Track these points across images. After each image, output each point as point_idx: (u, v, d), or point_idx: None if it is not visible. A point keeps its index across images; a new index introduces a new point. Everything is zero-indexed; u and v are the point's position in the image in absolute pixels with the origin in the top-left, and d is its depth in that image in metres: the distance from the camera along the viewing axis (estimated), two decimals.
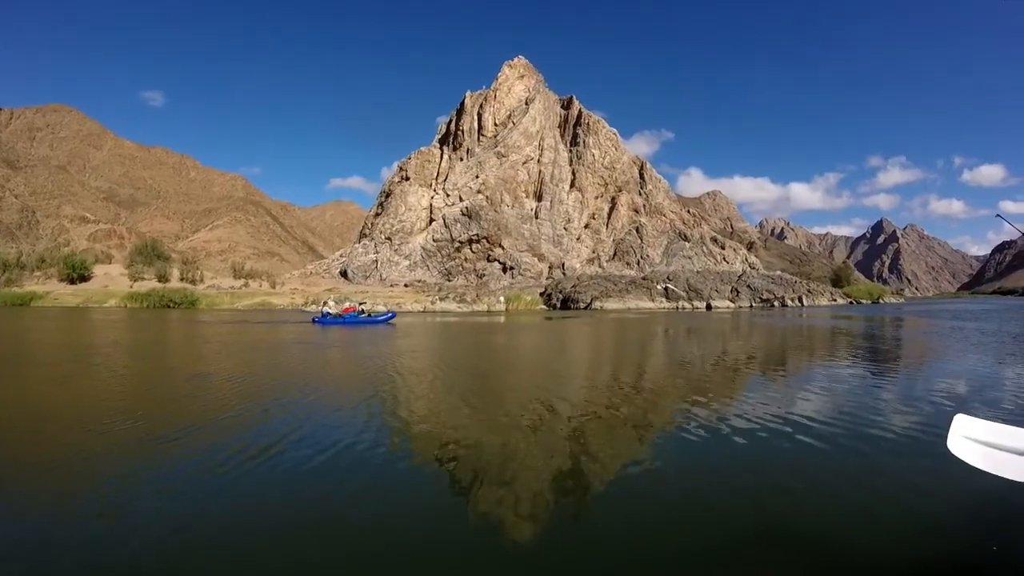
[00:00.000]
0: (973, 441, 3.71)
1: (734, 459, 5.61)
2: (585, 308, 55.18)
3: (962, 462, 3.55)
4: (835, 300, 78.18)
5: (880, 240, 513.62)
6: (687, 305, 60.92)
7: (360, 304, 34.54)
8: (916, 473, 5.23)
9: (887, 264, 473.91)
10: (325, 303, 32.94)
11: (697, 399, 8.32)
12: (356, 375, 10.99)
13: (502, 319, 37.11)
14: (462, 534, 3.91)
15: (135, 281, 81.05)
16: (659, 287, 63.26)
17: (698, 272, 76.96)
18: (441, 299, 50.48)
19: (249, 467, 5.27)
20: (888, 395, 8.96)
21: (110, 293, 70.89)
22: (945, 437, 3.67)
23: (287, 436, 6.06)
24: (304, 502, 4.49)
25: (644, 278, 69.03)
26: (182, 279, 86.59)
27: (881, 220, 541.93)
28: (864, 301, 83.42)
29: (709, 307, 61.22)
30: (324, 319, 30.34)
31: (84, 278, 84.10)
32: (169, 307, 61.16)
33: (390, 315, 33.70)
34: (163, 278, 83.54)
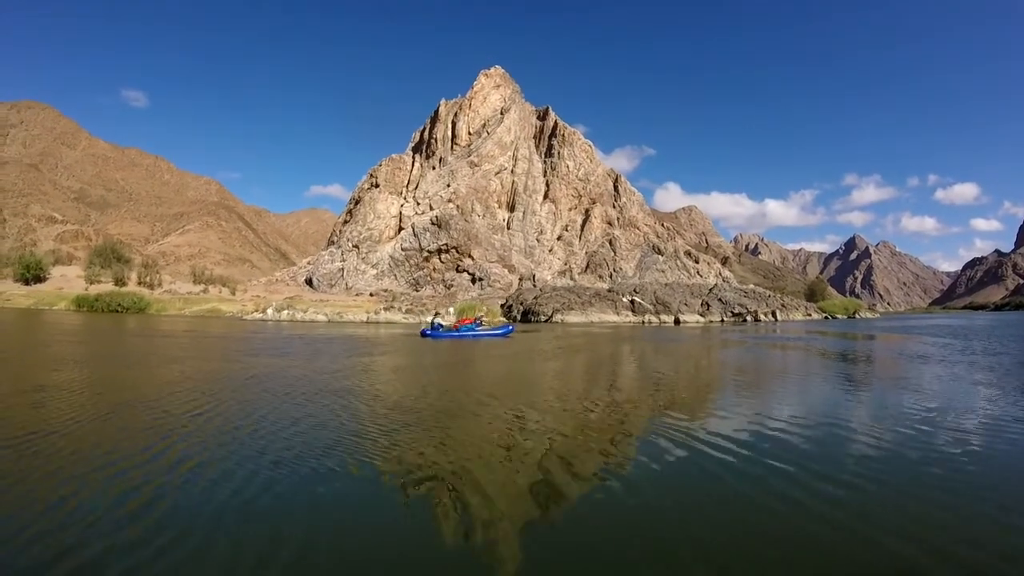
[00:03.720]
0: None
1: (719, 483, 5.42)
2: (546, 321, 53.51)
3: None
4: (810, 315, 77.11)
5: (853, 256, 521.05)
6: (654, 319, 59.46)
7: (478, 315, 32.54)
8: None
9: (859, 280, 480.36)
10: (436, 314, 30.85)
11: (672, 427, 7.75)
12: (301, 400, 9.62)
13: None
14: (435, 553, 3.93)
15: (91, 284, 79.01)
16: (625, 300, 61.72)
17: (666, 285, 75.49)
18: (386, 309, 48.55)
19: None
20: (901, 429, 7.97)
21: (62, 296, 68.70)
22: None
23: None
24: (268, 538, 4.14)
25: (610, 290, 67.52)
26: (140, 283, 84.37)
27: (854, 237, 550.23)
28: (840, 316, 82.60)
29: (678, 321, 59.80)
30: (436, 332, 28.14)
31: (39, 279, 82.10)
32: (117, 311, 58.95)
33: (509, 328, 31.84)
34: (120, 281, 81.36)
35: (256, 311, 50.45)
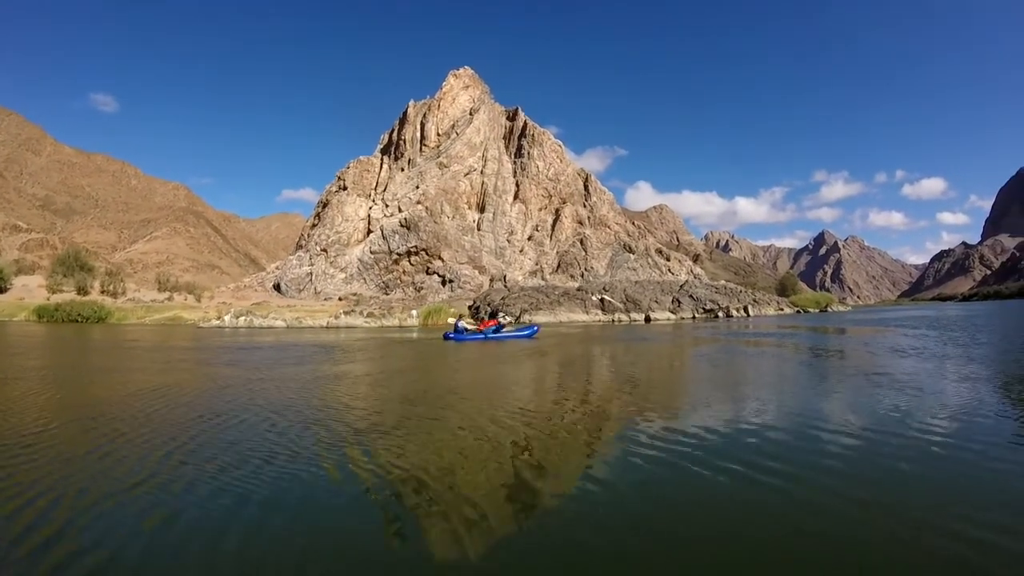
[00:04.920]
0: None
1: (695, 482, 5.33)
2: (514, 321, 53.12)
3: None
4: (782, 310, 77.27)
5: (822, 251, 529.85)
6: (624, 317, 59.23)
7: (503, 317, 32.38)
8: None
9: (829, 274, 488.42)
10: (460, 317, 30.67)
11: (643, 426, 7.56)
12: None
13: (414, 335, 34.72)
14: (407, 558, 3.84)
15: (53, 293, 77.33)
16: (594, 298, 61.44)
17: (637, 282, 75.38)
18: (346, 313, 47.63)
19: None
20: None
21: (22, 306, 66.97)
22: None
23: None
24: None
25: (579, 289, 67.21)
26: (103, 291, 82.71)
27: (823, 232, 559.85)
28: (812, 310, 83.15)
29: (648, 319, 59.57)
30: (460, 335, 27.85)
31: (0, 289, 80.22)
32: (77, 321, 57.58)
33: (534, 328, 31.70)
34: (82, 290, 79.77)
35: (215, 318, 49.47)
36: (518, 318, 54.20)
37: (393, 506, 4.82)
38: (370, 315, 46.24)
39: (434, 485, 5.26)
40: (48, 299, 70.40)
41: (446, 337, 28.39)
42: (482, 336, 28.35)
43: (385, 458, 6.12)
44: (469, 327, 29.11)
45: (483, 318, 40.06)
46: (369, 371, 15.60)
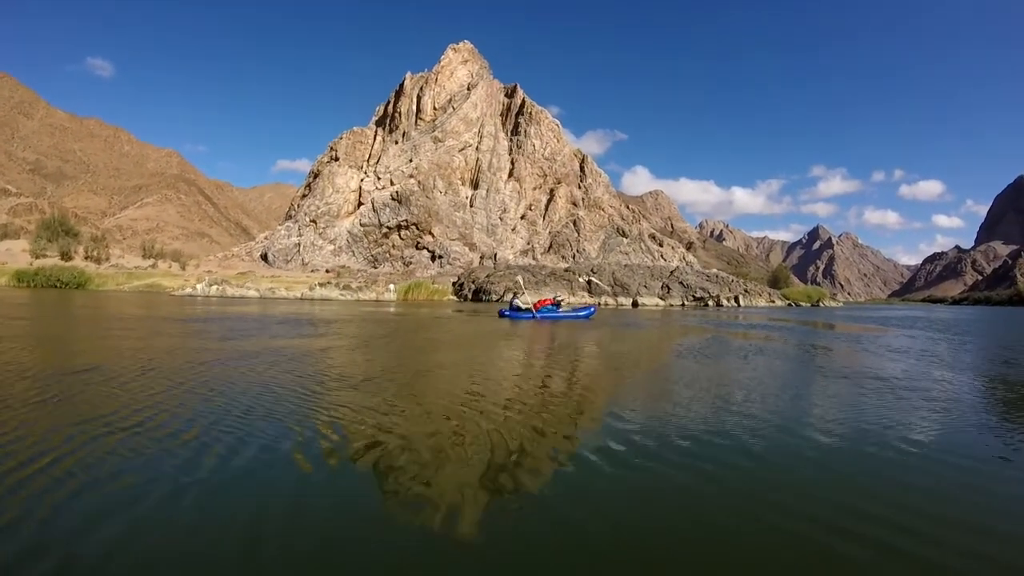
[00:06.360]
0: None
1: (678, 472, 4.99)
2: (497, 301, 52.03)
3: None
4: (773, 302, 76.29)
5: (816, 246, 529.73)
6: (611, 301, 58.36)
7: (557, 296, 31.52)
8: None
9: (821, 269, 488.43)
10: (515, 295, 29.81)
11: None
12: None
13: (392, 310, 33.73)
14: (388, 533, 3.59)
15: (36, 258, 76.53)
16: (581, 280, 60.52)
17: (626, 266, 74.39)
18: (321, 285, 46.60)
19: None
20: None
21: (2, 270, 66.07)
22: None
23: None
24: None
25: (566, 270, 66.27)
26: (87, 257, 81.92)
27: (817, 227, 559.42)
28: (803, 304, 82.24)
29: (636, 304, 58.70)
30: (515, 313, 27.09)
31: None
32: (56, 287, 56.62)
33: (591, 309, 30.40)
34: (66, 255, 79.15)
35: (190, 287, 48.55)
36: (502, 297, 53.29)
37: (355, 489, 4.41)
38: (346, 288, 45.25)
39: (400, 468, 4.82)
40: (31, 264, 69.50)
41: (501, 314, 27.69)
42: (539, 314, 27.43)
43: (347, 442, 5.50)
44: (523, 306, 28.48)
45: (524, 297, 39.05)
46: (330, 345, 14.67)
